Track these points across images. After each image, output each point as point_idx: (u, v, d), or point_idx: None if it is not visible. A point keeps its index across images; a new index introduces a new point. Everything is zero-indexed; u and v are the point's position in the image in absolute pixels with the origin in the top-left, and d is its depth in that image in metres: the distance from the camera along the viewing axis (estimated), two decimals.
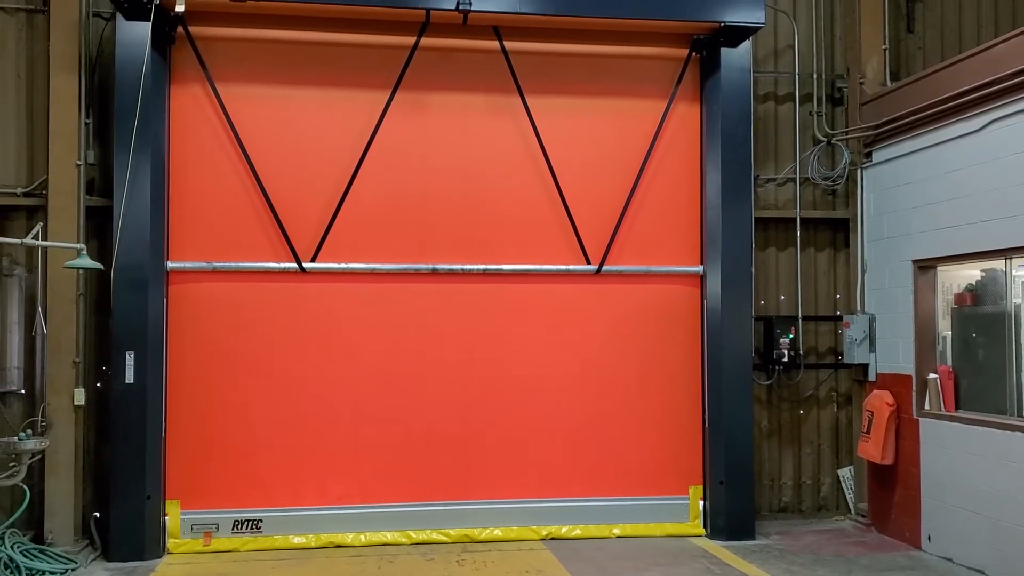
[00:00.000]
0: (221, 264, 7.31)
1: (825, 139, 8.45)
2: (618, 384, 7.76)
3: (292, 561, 6.90)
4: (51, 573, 6.39)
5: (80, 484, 7.15)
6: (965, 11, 8.72)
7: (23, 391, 7.27)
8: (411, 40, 7.45)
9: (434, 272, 7.58)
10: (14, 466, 6.57)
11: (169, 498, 7.15)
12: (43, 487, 6.96)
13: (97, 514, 7.15)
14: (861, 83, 8.26)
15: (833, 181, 8.43)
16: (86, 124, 7.29)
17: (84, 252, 6.56)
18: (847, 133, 8.37)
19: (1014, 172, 6.28)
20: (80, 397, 7.06)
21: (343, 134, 7.49)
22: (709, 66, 7.82)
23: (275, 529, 7.25)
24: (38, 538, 6.96)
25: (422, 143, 7.60)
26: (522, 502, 7.57)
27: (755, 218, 7.93)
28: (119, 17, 6.99)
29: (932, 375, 7.27)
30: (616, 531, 7.60)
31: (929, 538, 7.15)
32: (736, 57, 7.69)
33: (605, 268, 7.76)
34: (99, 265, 6.64)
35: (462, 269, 7.60)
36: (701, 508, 7.73)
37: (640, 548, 7.28)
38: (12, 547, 6.42)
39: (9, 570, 6.26)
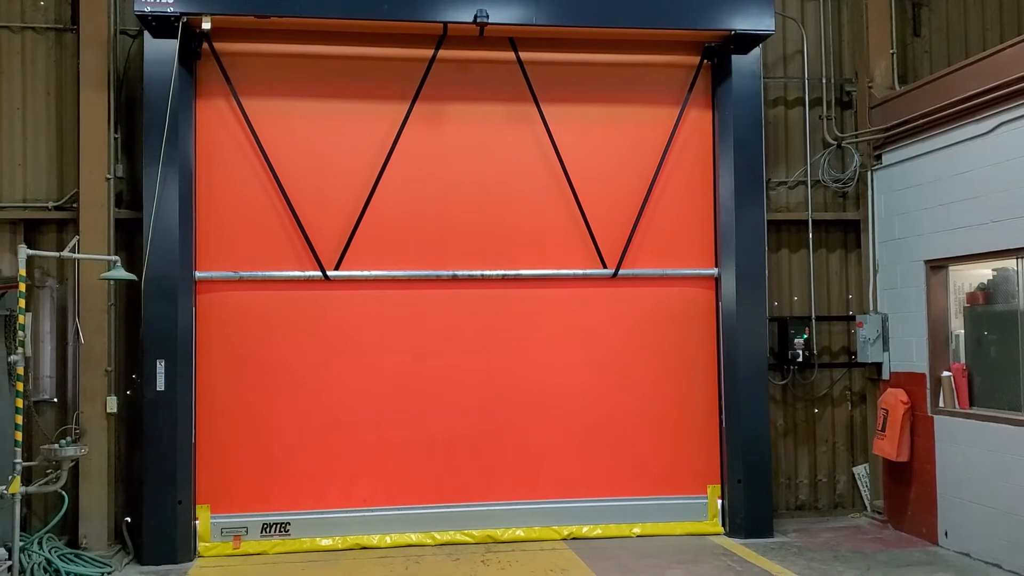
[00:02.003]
0: (248, 273, 7.49)
1: (835, 142, 8.60)
2: (636, 385, 7.91)
3: (321, 563, 7.05)
4: None
5: (112, 490, 7.33)
6: (970, 15, 8.86)
7: (55, 399, 7.47)
8: (429, 52, 7.64)
9: (454, 278, 7.74)
10: (50, 472, 6.75)
11: (199, 502, 7.31)
12: (77, 493, 7.14)
13: (128, 519, 7.33)
14: (869, 87, 8.41)
15: (844, 183, 8.57)
16: (115, 139, 7.49)
17: (118, 264, 6.75)
18: (857, 136, 8.52)
19: None
20: (112, 405, 7.24)
21: (364, 145, 7.67)
22: (720, 73, 7.98)
23: (303, 532, 7.41)
24: (72, 543, 7.14)
25: (441, 152, 7.78)
26: (543, 503, 7.72)
27: (767, 220, 8.08)
28: (146, 35, 7.19)
29: (946, 373, 7.40)
30: (636, 530, 7.73)
31: (946, 534, 7.26)
32: (747, 63, 7.85)
33: (621, 272, 7.92)
34: (133, 276, 6.82)
35: (481, 275, 7.76)
36: (720, 507, 7.85)
37: (661, 547, 7.40)
38: (50, 551, 6.61)
39: (48, 574, 6.44)
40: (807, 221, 8.54)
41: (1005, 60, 6.62)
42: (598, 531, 7.69)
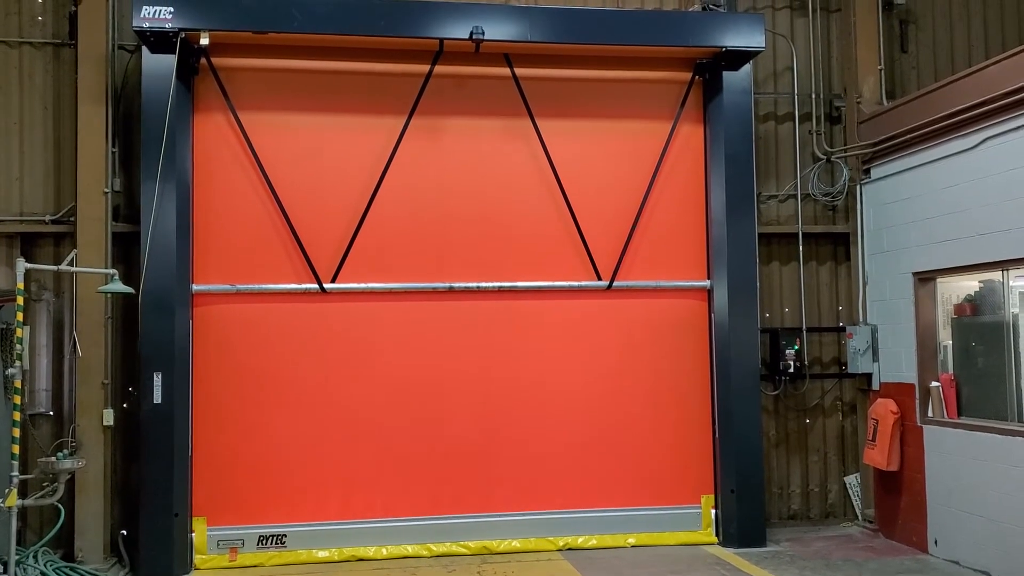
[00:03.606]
0: (245, 286, 7.53)
1: (824, 157, 8.74)
2: (630, 396, 7.98)
3: (317, 575, 7.07)
4: None
5: (108, 502, 7.33)
6: (956, 32, 9.04)
7: (51, 412, 7.48)
8: (426, 68, 7.73)
9: (451, 290, 7.81)
10: (47, 485, 6.75)
11: (196, 515, 7.33)
12: (72, 506, 7.13)
13: (124, 532, 7.33)
14: (858, 102, 8.56)
15: (833, 197, 8.71)
16: (112, 153, 7.53)
17: (116, 277, 6.78)
18: (846, 151, 8.66)
19: (1008, 187, 6.55)
20: (109, 418, 7.26)
21: (361, 159, 7.74)
22: (712, 88, 8.11)
23: (299, 544, 7.42)
24: (68, 556, 7.14)
25: (438, 166, 7.86)
26: (539, 513, 7.76)
27: (759, 233, 8.20)
28: (144, 50, 7.25)
29: (934, 383, 7.51)
30: (631, 540, 7.79)
31: (936, 542, 7.36)
32: (737, 79, 7.98)
33: (616, 284, 8.01)
34: (131, 290, 6.85)
35: (478, 287, 7.83)
36: (713, 516, 7.93)
37: (655, 556, 7.47)
38: (45, 564, 6.60)
39: None
40: (797, 234, 8.67)
41: (990, 76, 6.77)
42: (593, 541, 7.75)
